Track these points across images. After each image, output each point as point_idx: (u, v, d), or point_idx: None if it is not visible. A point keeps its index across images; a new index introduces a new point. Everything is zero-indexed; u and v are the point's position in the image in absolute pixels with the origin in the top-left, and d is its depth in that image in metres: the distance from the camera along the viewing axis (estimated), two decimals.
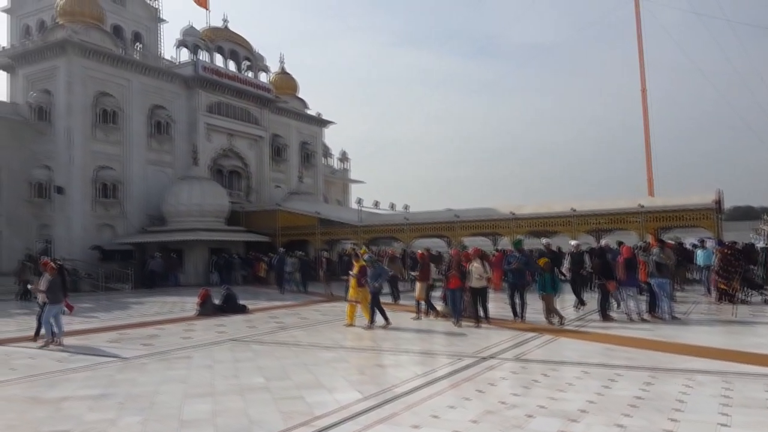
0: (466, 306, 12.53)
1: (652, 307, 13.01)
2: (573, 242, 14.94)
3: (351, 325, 12.58)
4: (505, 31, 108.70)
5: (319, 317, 14.71)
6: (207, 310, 15.61)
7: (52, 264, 11.88)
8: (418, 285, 13.98)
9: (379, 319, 12.47)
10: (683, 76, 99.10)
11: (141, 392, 7.06)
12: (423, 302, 13.74)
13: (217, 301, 16.14)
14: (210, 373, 8.07)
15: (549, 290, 12.25)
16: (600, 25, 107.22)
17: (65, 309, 12.34)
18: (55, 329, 11.00)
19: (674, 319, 12.41)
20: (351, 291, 12.87)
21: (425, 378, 7.45)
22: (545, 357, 8.80)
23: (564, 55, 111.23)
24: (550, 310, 12.22)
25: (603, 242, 14.45)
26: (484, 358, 8.66)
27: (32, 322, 12.07)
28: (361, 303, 12.66)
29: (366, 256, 13.11)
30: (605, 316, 12.66)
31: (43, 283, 11.08)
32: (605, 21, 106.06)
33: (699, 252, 18.52)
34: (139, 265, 29.65)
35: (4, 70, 34.41)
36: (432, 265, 14.51)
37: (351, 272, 13.03)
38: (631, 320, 12.43)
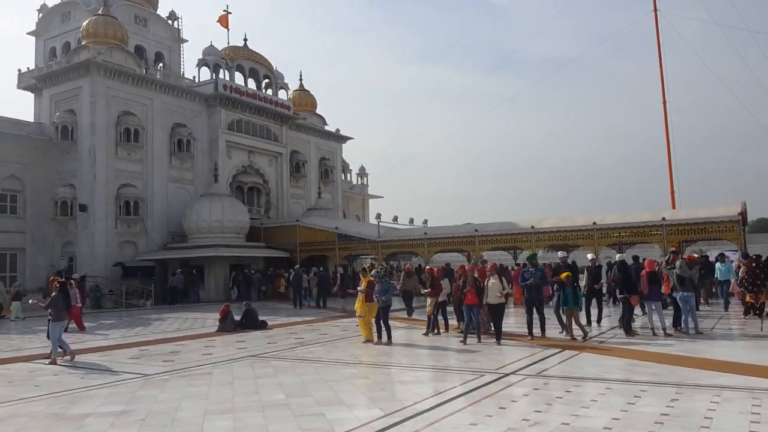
0: (482, 322, 12.39)
1: (677, 321, 12.81)
2: (589, 256, 14.68)
3: (369, 340, 12.54)
4: (524, 45, 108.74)
5: (339, 333, 14.68)
6: (227, 326, 15.68)
7: (57, 281, 11.95)
8: (428, 300, 13.94)
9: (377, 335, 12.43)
10: (704, 86, 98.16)
11: (162, 409, 7.08)
12: (436, 317, 13.71)
13: (237, 317, 16.21)
14: (230, 390, 8.08)
15: (572, 305, 12.10)
16: (619, 37, 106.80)
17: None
18: (64, 346, 11.09)
19: (699, 334, 12.19)
20: (357, 305, 12.85)
21: (446, 394, 7.38)
22: (567, 373, 8.68)
23: (584, 68, 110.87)
24: (577, 325, 12.05)
25: (617, 257, 14.23)
26: (505, 374, 8.56)
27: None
28: (364, 318, 12.57)
29: (374, 271, 13.10)
30: (628, 330, 12.47)
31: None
32: (625, 34, 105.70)
33: (718, 266, 18.18)
34: (161, 282, 29.94)
35: (30, 91, 35.24)
36: (446, 280, 14.37)
37: (359, 288, 12.97)
38: (655, 335, 12.22)
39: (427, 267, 16.28)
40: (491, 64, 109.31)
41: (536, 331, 12.35)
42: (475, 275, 12.27)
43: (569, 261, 14.33)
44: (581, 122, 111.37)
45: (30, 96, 35.91)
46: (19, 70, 37.22)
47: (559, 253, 14.83)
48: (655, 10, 35.42)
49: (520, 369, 8.97)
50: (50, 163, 31.11)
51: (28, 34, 39.60)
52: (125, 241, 31.17)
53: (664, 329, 12.38)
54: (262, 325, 16.13)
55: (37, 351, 12.67)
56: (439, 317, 13.94)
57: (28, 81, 35.45)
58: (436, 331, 13.66)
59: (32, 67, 37.61)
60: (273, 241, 34.21)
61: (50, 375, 9.84)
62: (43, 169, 30.89)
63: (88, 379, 9.33)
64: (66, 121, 30.66)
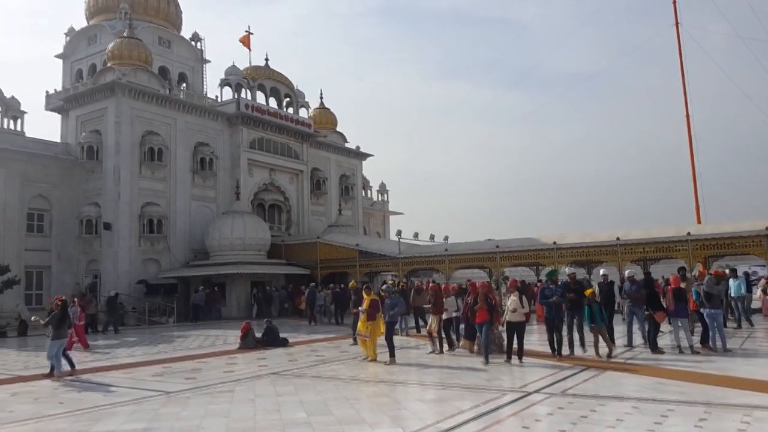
0: (493, 339, 12.12)
1: (704, 338, 12.54)
2: (601, 272, 14.25)
3: (373, 359, 12.31)
4: (544, 61, 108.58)
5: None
6: (249, 343, 15.72)
7: (58, 300, 12.12)
8: (431, 318, 13.66)
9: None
10: (727, 99, 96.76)
11: (184, 426, 7.10)
12: (441, 335, 13.43)
13: (258, 335, 16.25)
14: (252, 408, 8.07)
15: (599, 322, 11.87)
16: (640, 52, 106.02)
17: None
18: (66, 364, 11.23)
19: (727, 351, 11.92)
20: (360, 325, 12.61)
21: (469, 413, 7.29)
22: (592, 391, 8.52)
23: (604, 82, 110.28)
24: (604, 342, 11.83)
25: (627, 272, 13.93)
26: (529, 393, 8.44)
27: (81, 356, 12.34)
28: (370, 338, 12.37)
29: (384, 286, 12.95)
30: (654, 348, 12.24)
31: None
32: (646, 48, 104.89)
33: (731, 282, 17.79)
34: (183, 299, 30.16)
35: (57, 112, 36.01)
36: (453, 298, 13.96)
37: (361, 308, 12.71)
38: (682, 352, 11.97)
39: (431, 284, 15.93)
40: (511, 80, 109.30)
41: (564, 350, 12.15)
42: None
43: (578, 277, 13.80)
44: (602, 136, 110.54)
45: (57, 117, 36.70)
46: (47, 92, 38.08)
47: (566, 269, 14.39)
48: (677, 23, 35.14)
49: (543, 387, 8.84)
50: (76, 183, 31.69)
51: (56, 56, 40.58)
52: (148, 258, 31.53)
53: (691, 347, 12.14)
54: (283, 343, 16.14)
55: (63, 368, 12.77)
56: (443, 334, 13.63)
57: (56, 102, 36.26)
58: (440, 349, 13.36)
59: (59, 88, 38.48)
60: (294, 258, 34.34)
61: (74, 392, 9.94)
62: (69, 189, 31.47)
63: (112, 396, 9.40)
64: (91, 141, 31.25)
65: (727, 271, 18.73)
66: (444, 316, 13.53)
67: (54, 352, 11.18)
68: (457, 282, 20.14)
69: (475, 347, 12.79)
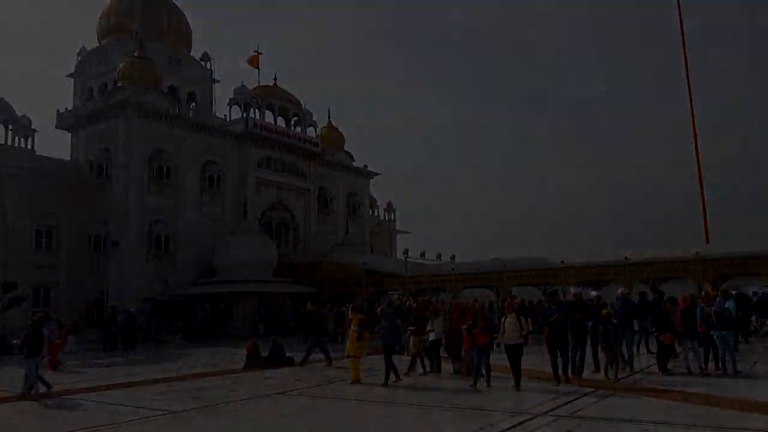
0: (468, 362, 11.85)
1: (714, 360, 12.38)
2: (593, 293, 13.93)
3: (357, 381, 11.91)
4: (553, 82, 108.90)
5: (364, 371, 14.47)
6: (254, 361, 15.63)
7: (32, 319, 12.16)
8: (412, 339, 13.27)
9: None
10: (736, 118, 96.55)
11: None
12: (430, 356, 13.06)
13: (264, 353, 16.15)
14: (257, 428, 8.02)
15: (612, 343, 11.71)
16: (649, 69, 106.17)
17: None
18: (41, 384, 11.20)
19: (738, 373, 11.76)
20: (349, 346, 12.27)
21: None
22: (602, 414, 8.41)
23: (612, 102, 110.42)
24: (612, 362, 11.68)
25: (620, 290, 13.74)
26: (537, 415, 8.33)
27: (85, 375, 12.29)
28: (360, 357, 12.12)
29: (380, 308, 12.78)
30: (664, 369, 12.09)
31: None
32: (654, 65, 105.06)
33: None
34: (190, 317, 30.13)
35: (67, 130, 36.35)
36: (441, 318, 13.32)
37: (354, 327, 12.33)
38: (692, 374, 11.81)
39: (415, 303, 15.47)
40: (521, 102, 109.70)
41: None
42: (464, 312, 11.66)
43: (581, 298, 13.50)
44: (613, 156, 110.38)
45: (67, 135, 37.04)
46: (58, 111, 38.49)
47: (571, 289, 14.19)
48: (683, 42, 35.26)
49: (551, 410, 8.71)
50: (85, 200, 31.81)
51: (68, 75, 41.09)
52: (155, 276, 31.55)
53: (701, 368, 11.98)
54: (289, 361, 16.04)
55: (69, 386, 12.74)
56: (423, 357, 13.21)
57: (66, 121, 36.61)
58: (420, 371, 12.93)
59: (70, 107, 38.91)
60: (301, 276, 34.22)
61: (79, 411, 9.91)
62: (77, 206, 31.61)
63: (116, 415, 9.34)
64: (101, 159, 31.56)
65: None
66: (431, 337, 12.99)
67: (32, 371, 11.20)
68: (463, 300, 19.95)
69: (467, 370, 12.39)
